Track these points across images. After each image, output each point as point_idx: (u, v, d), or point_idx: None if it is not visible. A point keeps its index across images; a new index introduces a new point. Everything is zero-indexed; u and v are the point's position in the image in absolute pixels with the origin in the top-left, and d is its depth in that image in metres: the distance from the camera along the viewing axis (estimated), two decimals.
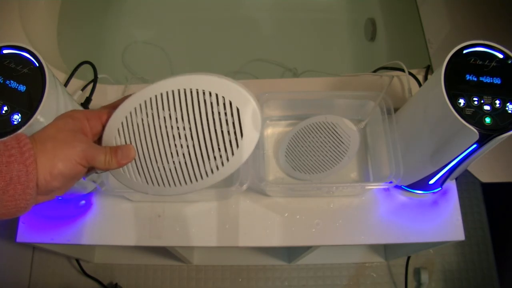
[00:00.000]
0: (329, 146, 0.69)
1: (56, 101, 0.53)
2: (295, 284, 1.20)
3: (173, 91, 0.41)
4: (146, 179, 0.45)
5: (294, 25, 1.32)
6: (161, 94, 0.41)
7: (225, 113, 0.41)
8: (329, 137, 0.69)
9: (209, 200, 0.71)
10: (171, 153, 0.43)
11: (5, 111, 0.50)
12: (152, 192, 0.45)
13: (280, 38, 1.30)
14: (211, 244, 0.69)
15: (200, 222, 0.70)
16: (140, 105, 0.42)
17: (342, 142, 0.68)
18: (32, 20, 0.87)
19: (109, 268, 1.21)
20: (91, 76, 0.76)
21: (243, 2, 1.35)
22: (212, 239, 0.69)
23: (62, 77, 0.77)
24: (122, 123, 0.43)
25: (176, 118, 0.42)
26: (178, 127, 0.42)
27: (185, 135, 0.42)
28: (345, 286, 1.19)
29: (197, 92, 0.41)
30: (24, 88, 0.51)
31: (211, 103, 0.41)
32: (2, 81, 0.51)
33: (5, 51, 0.52)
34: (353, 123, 0.68)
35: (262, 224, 0.69)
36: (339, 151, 0.68)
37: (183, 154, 0.43)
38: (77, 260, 1.18)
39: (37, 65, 0.52)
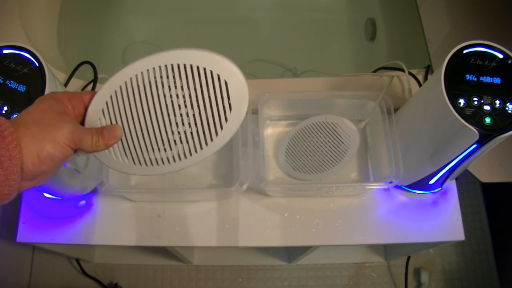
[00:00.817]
0: (329, 146, 0.69)
1: None
2: (295, 284, 1.20)
3: (160, 67, 0.41)
4: (133, 159, 0.44)
5: (294, 25, 1.32)
6: (147, 71, 0.41)
7: (213, 86, 0.41)
8: (329, 137, 0.69)
9: (209, 200, 0.71)
10: (159, 129, 0.42)
11: (5, 111, 0.50)
12: (140, 172, 0.44)
13: (280, 38, 1.30)
14: (211, 244, 0.69)
15: (200, 222, 0.70)
16: (126, 83, 0.41)
17: (342, 142, 0.68)
18: (32, 20, 0.87)
19: (109, 268, 1.21)
20: (91, 76, 0.76)
21: (243, 2, 1.35)
22: (212, 239, 0.69)
23: (62, 77, 0.77)
24: (106, 102, 0.42)
25: (164, 95, 0.41)
26: (166, 103, 0.41)
27: (174, 111, 0.42)
28: (345, 286, 1.19)
29: (185, 67, 0.40)
30: (24, 88, 0.51)
31: (199, 75, 0.41)
32: (2, 81, 0.51)
33: (5, 51, 0.52)
34: (353, 123, 0.68)
35: (262, 224, 0.69)
36: (339, 151, 0.68)
37: (172, 131, 0.42)
38: (77, 260, 1.18)
39: (37, 65, 0.52)
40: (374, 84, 0.77)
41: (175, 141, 0.43)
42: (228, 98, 0.41)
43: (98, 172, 0.62)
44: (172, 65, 0.41)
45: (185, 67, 0.41)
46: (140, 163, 0.44)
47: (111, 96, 0.42)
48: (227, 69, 0.41)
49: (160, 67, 0.41)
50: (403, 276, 1.14)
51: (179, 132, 0.42)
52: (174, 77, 0.41)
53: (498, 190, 1.20)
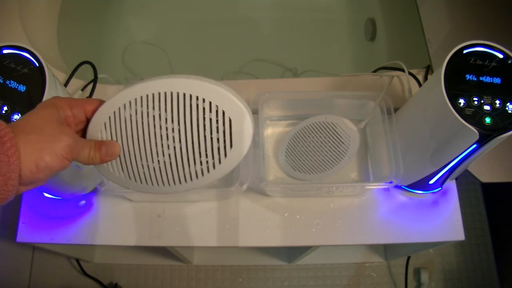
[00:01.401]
0: (329, 146, 0.69)
1: None
2: (295, 284, 1.20)
3: (165, 93, 0.40)
4: (128, 174, 0.44)
5: (294, 25, 1.32)
6: (153, 95, 0.41)
7: (217, 121, 0.41)
8: (329, 137, 0.69)
9: (209, 200, 0.71)
10: (157, 152, 0.42)
11: (5, 111, 0.50)
12: (133, 188, 0.45)
13: (280, 38, 1.30)
14: (211, 244, 0.69)
15: (200, 222, 0.70)
16: (130, 102, 0.41)
17: (342, 142, 0.68)
18: (32, 20, 0.87)
19: (109, 268, 1.21)
20: (91, 76, 0.76)
21: (243, 2, 1.35)
22: (212, 239, 0.69)
23: (62, 77, 0.77)
24: (109, 117, 0.42)
25: (166, 119, 0.41)
26: (167, 128, 0.41)
27: (173, 136, 0.42)
28: (345, 286, 1.19)
29: (191, 97, 0.40)
30: (24, 88, 0.51)
31: (204, 109, 0.41)
32: (2, 81, 0.51)
33: (5, 51, 0.52)
34: (353, 123, 0.68)
35: (262, 224, 0.69)
36: (339, 151, 0.68)
37: (169, 155, 0.42)
38: (77, 260, 1.18)
39: (37, 65, 0.52)
40: (374, 84, 0.77)
41: (171, 166, 0.43)
42: (230, 134, 0.41)
43: (98, 172, 0.62)
44: (178, 93, 0.40)
45: (190, 97, 0.40)
46: (135, 180, 0.44)
47: (114, 112, 0.41)
48: (233, 107, 0.41)
49: (165, 93, 0.40)
50: (403, 276, 1.14)
51: (175, 156, 0.42)
52: (178, 104, 0.41)
53: (498, 190, 1.20)
